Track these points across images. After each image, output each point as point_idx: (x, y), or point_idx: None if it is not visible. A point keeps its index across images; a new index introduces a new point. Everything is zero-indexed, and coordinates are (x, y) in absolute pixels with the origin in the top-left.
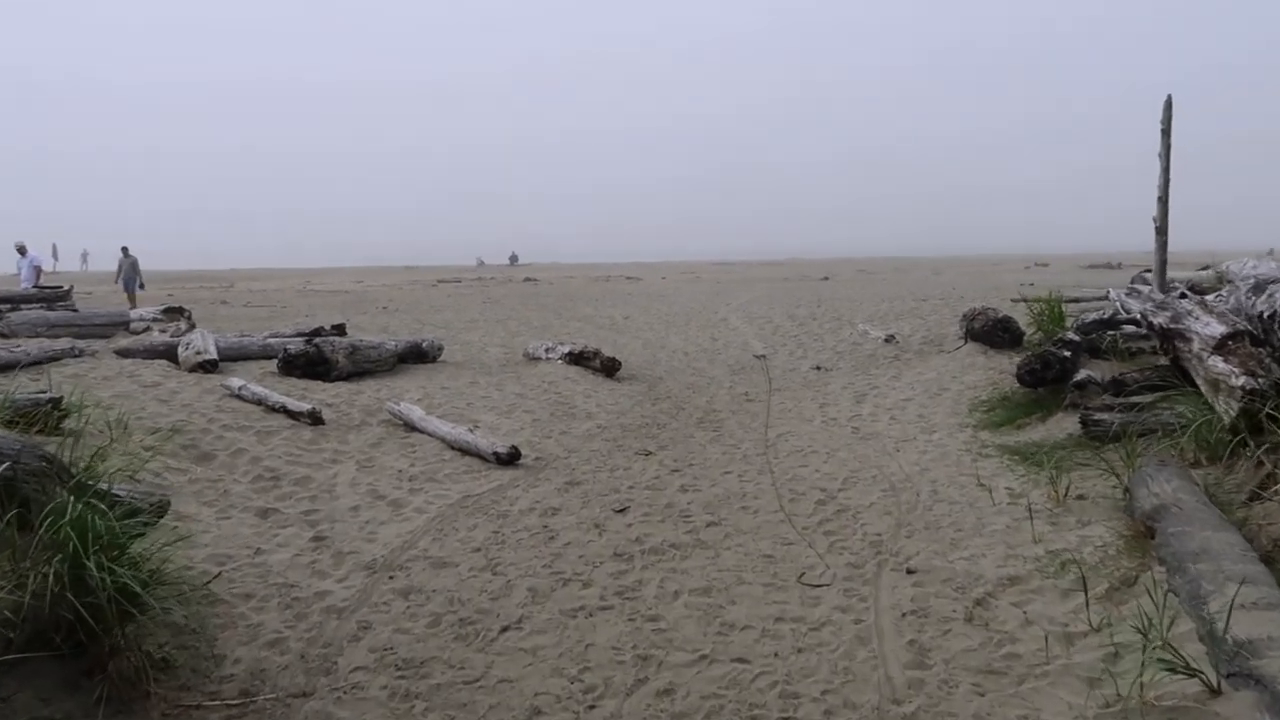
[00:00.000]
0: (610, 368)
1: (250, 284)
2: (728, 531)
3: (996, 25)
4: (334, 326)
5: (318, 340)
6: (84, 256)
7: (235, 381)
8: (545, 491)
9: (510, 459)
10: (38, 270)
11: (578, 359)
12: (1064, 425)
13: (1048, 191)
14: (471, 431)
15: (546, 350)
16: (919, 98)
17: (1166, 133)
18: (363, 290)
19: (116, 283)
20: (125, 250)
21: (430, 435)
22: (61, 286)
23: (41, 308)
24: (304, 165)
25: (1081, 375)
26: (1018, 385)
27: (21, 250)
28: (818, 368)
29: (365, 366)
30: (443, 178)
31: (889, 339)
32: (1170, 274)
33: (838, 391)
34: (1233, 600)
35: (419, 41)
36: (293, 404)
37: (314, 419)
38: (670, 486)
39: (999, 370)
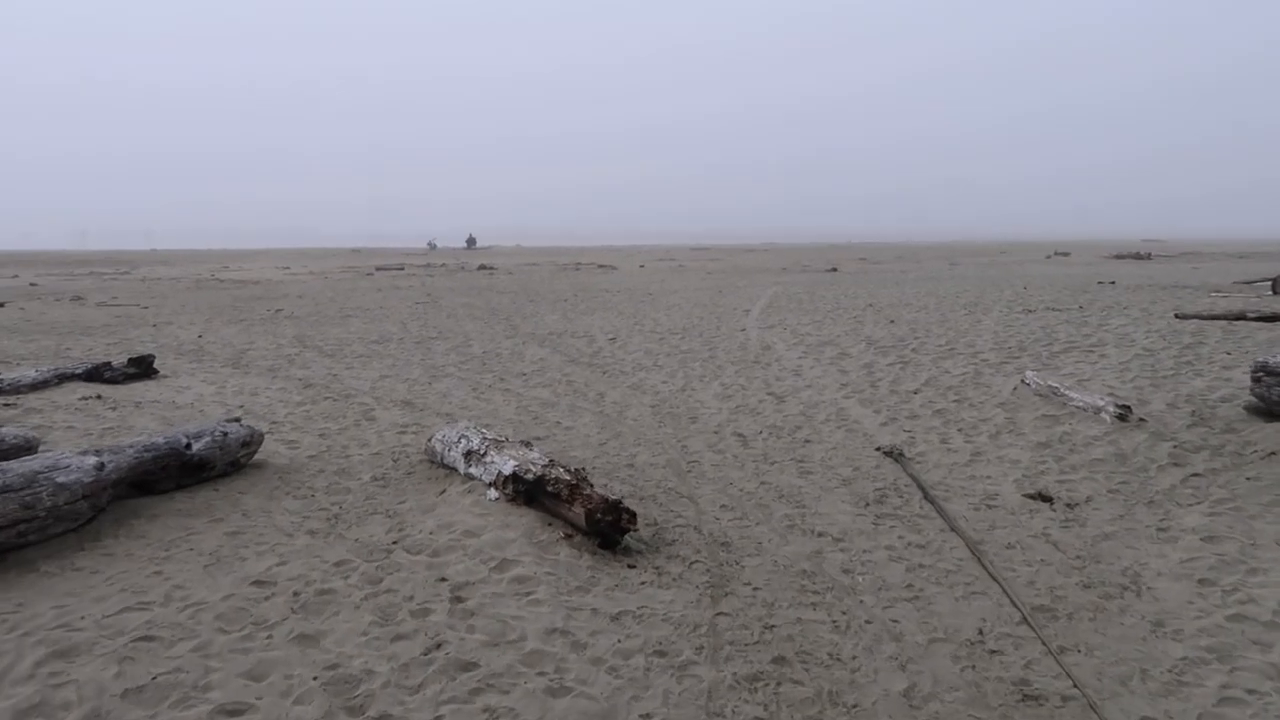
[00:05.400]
0: (608, 528)
1: (155, 268)
2: None
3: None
4: (133, 360)
5: None
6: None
7: None
8: None
9: None
10: None
11: (532, 492)
12: None
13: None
14: None
15: (469, 455)
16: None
17: None
18: (278, 280)
19: None
20: None
21: None
22: None
23: None
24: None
25: None
26: None
27: None
28: (1044, 498)
29: None
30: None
31: (1123, 414)
32: None
33: None
34: None
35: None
36: None
37: None
38: None
39: None
